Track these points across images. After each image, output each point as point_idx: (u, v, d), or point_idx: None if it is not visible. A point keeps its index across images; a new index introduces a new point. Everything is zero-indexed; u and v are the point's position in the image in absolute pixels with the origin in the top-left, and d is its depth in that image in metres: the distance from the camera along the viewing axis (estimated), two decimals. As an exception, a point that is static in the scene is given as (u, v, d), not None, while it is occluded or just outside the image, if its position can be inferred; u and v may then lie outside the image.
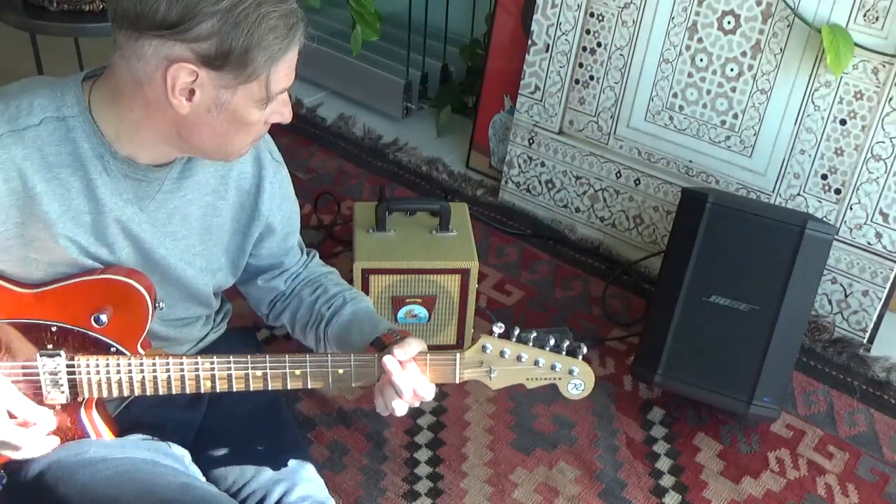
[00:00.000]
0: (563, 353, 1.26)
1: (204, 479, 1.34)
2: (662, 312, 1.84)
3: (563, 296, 2.25)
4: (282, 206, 1.39)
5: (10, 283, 1.20)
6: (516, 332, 1.25)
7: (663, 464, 1.81)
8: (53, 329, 1.20)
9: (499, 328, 1.23)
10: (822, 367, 2.05)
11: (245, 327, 1.71)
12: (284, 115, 1.20)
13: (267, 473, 1.35)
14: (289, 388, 1.26)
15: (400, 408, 1.23)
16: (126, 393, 1.23)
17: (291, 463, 1.38)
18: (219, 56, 1.07)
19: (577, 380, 1.27)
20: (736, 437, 1.88)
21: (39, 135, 1.14)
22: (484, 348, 1.24)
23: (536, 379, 1.27)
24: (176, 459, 1.30)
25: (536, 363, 1.25)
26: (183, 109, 1.11)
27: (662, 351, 1.83)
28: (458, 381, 1.25)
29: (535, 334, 1.25)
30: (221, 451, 1.38)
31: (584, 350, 1.27)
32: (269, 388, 1.25)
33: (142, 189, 1.22)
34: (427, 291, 1.95)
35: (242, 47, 1.07)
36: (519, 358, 1.24)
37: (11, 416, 1.16)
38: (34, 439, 1.19)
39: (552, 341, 1.25)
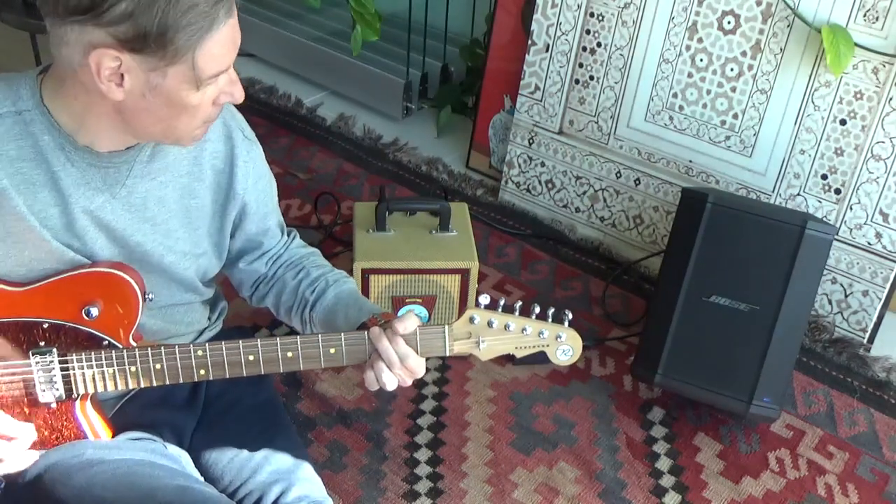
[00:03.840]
0: (549, 320, 1.27)
1: (202, 478, 1.34)
2: (662, 312, 1.84)
3: (563, 296, 2.25)
4: (257, 186, 1.37)
5: (4, 284, 1.20)
6: (502, 302, 1.26)
7: (663, 464, 1.81)
8: (45, 326, 1.20)
9: (484, 299, 1.24)
10: (822, 367, 2.05)
11: (243, 327, 1.71)
12: (234, 95, 1.17)
13: (264, 473, 1.35)
14: (282, 370, 1.26)
15: (389, 381, 1.23)
16: (121, 386, 1.23)
17: (289, 462, 1.38)
18: (136, 38, 1.04)
19: (566, 345, 1.28)
20: (736, 437, 1.87)
21: None
22: (471, 319, 1.24)
23: (525, 347, 1.28)
24: (173, 460, 1.30)
25: (524, 331, 1.25)
26: (116, 95, 1.09)
27: (662, 351, 1.82)
28: (448, 354, 1.26)
29: (520, 303, 1.25)
30: (218, 452, 1.38)
31: (570, 316, 1.28)
32: (264, 373, 1.25)
33: (110, 176, 1.21)
34: (427, 291, 1.95)
35: (159, 28, 1.04)
36: (506, 327, 1.25)
37: None
38: (14, 453, 1.19)
39: (537, 309, 1.26)
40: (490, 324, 1.25)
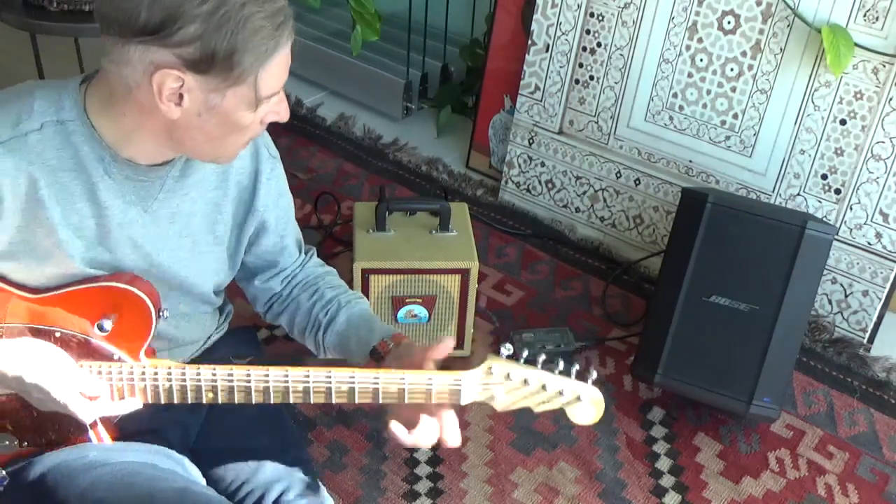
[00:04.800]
0: (573, 377, 1.22)
1: (203, 481, 1.34)
2: (662, 312, 1.84)
3: (563, 296, 2.25)
4: (278, 203, 1.38)
5: (17, 288, 1.20)
6: (525, 354, 1.21)
7: (663, 464, 1.81)
8: (57, 335, 1.20)
9: (507, 349, 1.19)
10: (822, 367, 2.05)
11: (245, 327, 1.71)
12: (281, 114, 1.19)
13: (265, 473, 1.35)
14: (290, 401, 1.25)
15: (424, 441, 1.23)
16: (128, 398, 1.23)
17: (289, 462, 1.38)
18: (203, 60, 1.05)
19: (586, 405, 1.23)
20: (736, 437, 1.87)
21: (41, 139, 1.13)
22: (490, 370, 1.20)
23: (543, 403, 1.23)
24: (176, 462, 1.30)
25: (544, 387, 1.21)
26: (173, 114, 1.10)
27: (662, 351, 1.83)
28: (462, 404, 1.22)
29: (543, 357, 1.20)
30: (220, 451, 1.38)
31: (594, 375, 1.23)
32: (271, 402, 1.25)
33: (144, 189, 1.22)
34: (427, 291, 1.95)
35: (227, 50, 1.05)
36: (526, 381, 1.20)
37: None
38: (97, 410, 1.19)
39: (561, 364, 1.21)
40: (509, 376, 1.20)
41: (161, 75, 1.06)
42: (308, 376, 1.22)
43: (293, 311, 1.45)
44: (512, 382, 1.21)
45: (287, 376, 1.22)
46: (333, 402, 1.25)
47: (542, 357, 1.22)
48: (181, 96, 1.09)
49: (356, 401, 1.23)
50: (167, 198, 1.25)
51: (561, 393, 1.22)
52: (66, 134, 1.15)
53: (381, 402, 1.23)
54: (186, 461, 1.34)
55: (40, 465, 1.22)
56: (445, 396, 1.22)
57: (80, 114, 1.15)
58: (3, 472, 1.25)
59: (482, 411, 1.90)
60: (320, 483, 1.40)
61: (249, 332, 1.67)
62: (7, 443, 1.26)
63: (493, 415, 1.89)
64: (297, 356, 1.97)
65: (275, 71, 1.12)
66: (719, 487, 1.77)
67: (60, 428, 1.23)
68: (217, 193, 1.30)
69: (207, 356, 1.49)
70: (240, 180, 1.33)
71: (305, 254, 1.49)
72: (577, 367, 1.23)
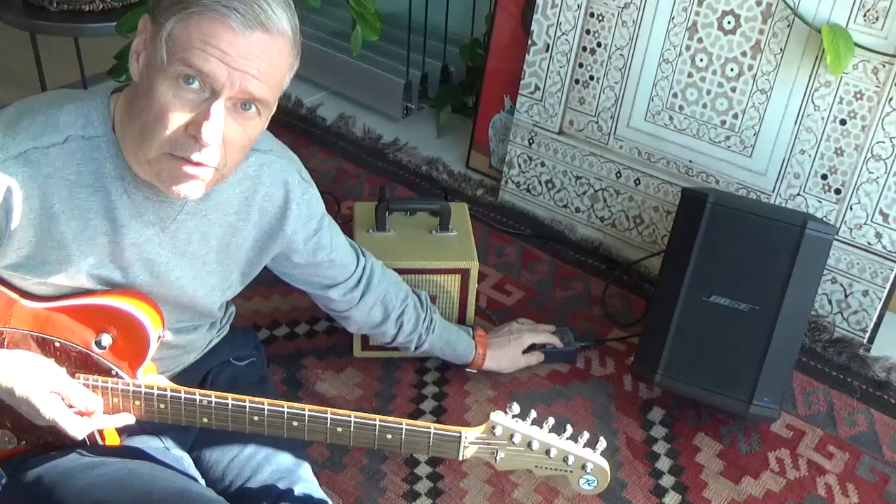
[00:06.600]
0: (581, 444, 1.20)
1: (203, 480, 1.34)
2: (662, 312, 1.84)
3: (563, 296, 2.25)
4: (307, 225, 1.38)
5: (21, 294, 1.21)
6: (532, 415, 1.19)
7: (663, 464, 1.81)
8: (56, 345, 1.20)
9: (514, 408, 1.17)
10: (822, 367, 2.05)
11: (245, 327, 1.71)
12: (201, 130, 1.06)
13: (265, 472, 1.35)
14: (285, 437, 1.25)
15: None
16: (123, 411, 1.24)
17: (289, 462, 1.38)
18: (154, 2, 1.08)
19: (590, 476, 1.21)
20: (736, 437, 1.87)
21: (63, 153, 1.13)
22: (493, 429, 1.19)
23: (546, 468, 1.21)
24: (175, 461, 1.31)
25: (548, 453, 1.19)
26: (134, 73, 1.11)
27: (662, 351, 1.82)
28: (460, 459, 1.22)
29: (552, 421, 1.18)
30: (220, 453, 1.38)
31: (604, 445, 1.21)
32: (267, 434, 1.25)
33: (163, 210, 1.21)
34: (427, 291, 1.95)
35: None
36: (529, 445, 1.18)
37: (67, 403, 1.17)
38: (89, 426, 1.20)
39: (569, 430, 1.18)
40: (512, 437, 1.18)
41: (142, 21, 1.10)
42: (304, 414, 1.21)
43: (368, 328, 1.66)
44: (514, 444, 1.19)
45: (283, 411, 1.21)
46: (328, 441, 1.25)
47: (552, 421, 1.18)
48: (139, 56, 1.11)
49: (350, 444, 1.24)
50: (186, 219, 1.24)
51: (565, 460, 1.20)
52: (90, 149, 1.14)
53: (376, 447, 1.23)
54: (186, 461, 1.34)
55: (38, 466, 1.22)
56: (443, 450, 1.22)
57: (108, 131, 1.14)
58: (1, 471, 1.25)
59: (482, 411, 1.90)
60: (317, 483, 1.40)
61: (249, 332, 1.67)
62: (6, 439, 1.26)
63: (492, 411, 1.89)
64: (296, 357, 1.98)
65: (194, 34, 1.03)
66: (719, 487, 1.77)
67: (56, 431, 1.23)
68: (237, 217, 1.30)
69: (209, 358, 1.49)
70: (264, 207, 1.32)
71: (362, 264, 1.58)
72: (587, 434, 1.20)
